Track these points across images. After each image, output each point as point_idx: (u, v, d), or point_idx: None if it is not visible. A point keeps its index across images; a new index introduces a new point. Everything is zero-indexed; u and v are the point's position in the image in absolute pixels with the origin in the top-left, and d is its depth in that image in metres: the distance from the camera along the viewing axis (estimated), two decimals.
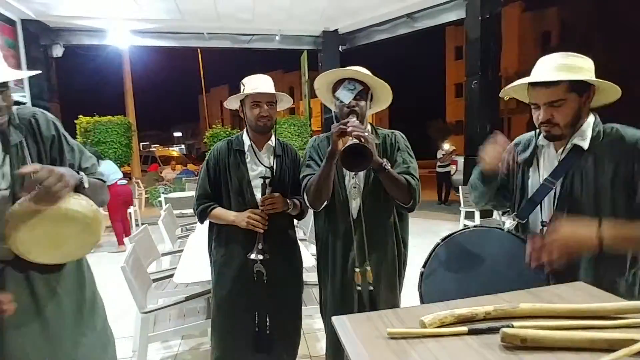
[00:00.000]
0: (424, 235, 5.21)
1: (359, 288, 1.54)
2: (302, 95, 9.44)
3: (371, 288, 1.52)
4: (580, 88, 1.16)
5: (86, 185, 1.18)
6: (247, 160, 1.77)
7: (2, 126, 1.09)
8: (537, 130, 1.28)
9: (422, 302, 1.35)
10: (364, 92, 1.56)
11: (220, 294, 1.79)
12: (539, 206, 1.28)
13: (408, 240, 1.70)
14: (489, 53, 5.84)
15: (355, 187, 1.59)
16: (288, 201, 1.74)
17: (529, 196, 1.31)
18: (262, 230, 1.67)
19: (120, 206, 5.33)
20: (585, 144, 1.21)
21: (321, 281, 1.72)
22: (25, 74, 3.82)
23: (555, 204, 1.24)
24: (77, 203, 1.12)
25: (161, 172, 11.00)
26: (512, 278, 1.20)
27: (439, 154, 9.19)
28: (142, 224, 3.30)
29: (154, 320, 2.18)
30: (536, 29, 22.48)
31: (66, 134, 1.29)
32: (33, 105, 6.44)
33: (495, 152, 1.31)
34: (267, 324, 1.77)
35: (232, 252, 1.75)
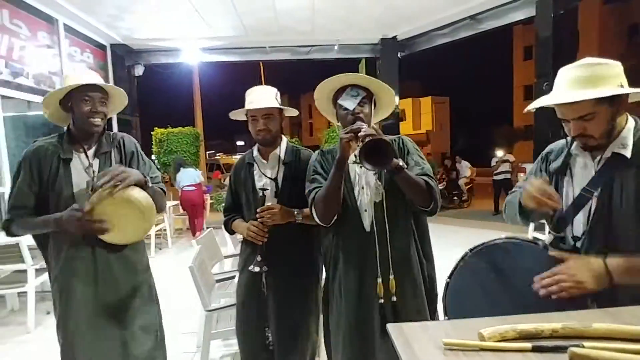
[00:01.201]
0: None
1: (382, 300, 1.44)
2: None
3: (394, 298, 1.42)
4: (610, 99, 1.06)
5: (149, 185, 1.56)
6: (255, 172, 1.78)
7: (98, 130, 1.59)
8: (570, 137, 1.20)
9: (445, 314, 1.28)
10: (367, 99, 1.50)
11: (237, 302, 1.83)
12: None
13: (431, 252, 1.57)
14: (563, 52, 5.40)
15: (367, 197, 1.48)
16: (296, 211, 1.67)
17: (564, 208, 1.20)
18: (260, 243, 1.65)
19: (188, 207, 6.44)
20: (627, 152, 1.11)
21: (327, 302, 1.60)
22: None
23: (591, 217, 1.14)
24: (138, 192, 1.47)
25: (224, 180, 11.67)
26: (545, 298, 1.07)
27: (493, 162, 8.74)
28: (207, 228, 3.52)
29: (216, 318, 2.31)
30: (620, 22, 20.33)
31: (142, 152, 1.74)
32: (118, 118, 7.20)
33: (544, 192, 1.14)
34: (269, 338, 1.73)
35: (245, 262, 1.76)
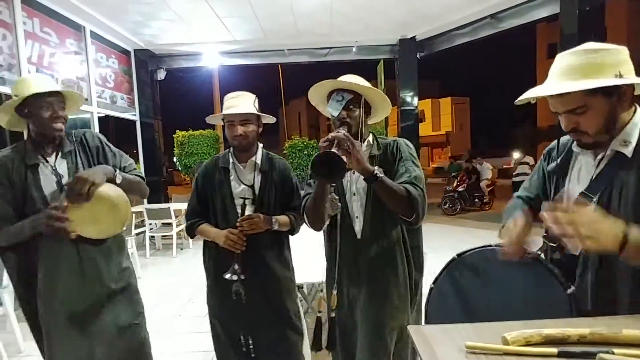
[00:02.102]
0: None
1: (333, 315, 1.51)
2: None
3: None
4: (605, 89, 0.92)
5: (118, 180, 1.57)
6: (231, 178, 1.74)
7: (61, 135, 1.59)
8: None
9: (426, 320, 1.24)
10: (356, 102, 1.46)
11: (210, 311, 1.82)
12: None
13: (420, 259, 1.56)
14: None
15: (357, 203, 1.48)
16: (273, 219, 1.68)
17: None
18: (238, 251, 1.63)
19: None
20: (628, 151, 0.97)
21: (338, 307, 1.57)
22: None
23: None
24: (107, 188, 1.51)
25: None
26: (530, 308, 1.01)
27: (512, 164, 8.56)
28: None
29: None
30: None
31: (108, 144, 1.73)
32: (141, 121, 7.38)
33: (517, 238, 1.05)
34: (251, 346, 1.73)
35: (217, 269, 1.72)
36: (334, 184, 1.44)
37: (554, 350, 0.71)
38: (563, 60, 0.99)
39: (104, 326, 1.60)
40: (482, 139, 35.13)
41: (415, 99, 7.53)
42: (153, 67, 7.57)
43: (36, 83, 1.52)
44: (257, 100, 1.76)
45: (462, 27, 6.69)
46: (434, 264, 1.53)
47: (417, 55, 7.44)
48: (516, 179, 8.57)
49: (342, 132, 1.30)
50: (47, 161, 1.58)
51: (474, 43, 6.85)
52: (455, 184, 9.43)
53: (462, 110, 34.81)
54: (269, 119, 1.84)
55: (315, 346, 1.61)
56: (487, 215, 8.87)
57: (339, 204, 1.45)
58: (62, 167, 1.60)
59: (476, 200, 9.61)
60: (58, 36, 5.22)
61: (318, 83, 1.51)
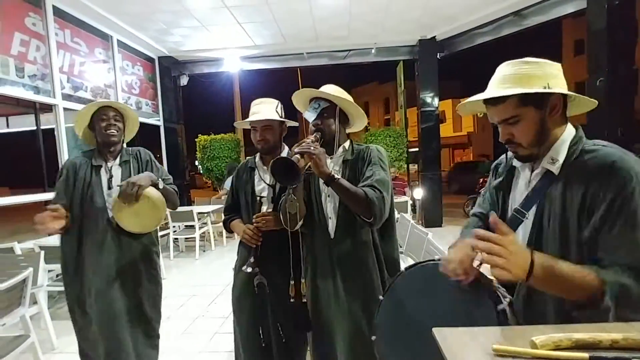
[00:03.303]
0: None
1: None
2: (398, 106, 9.34)
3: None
4: (536, 100, 0.96)
5: (160, 186, 1.97)
6: (255, 178, 1.88)
7: (115, 141, 2.01)
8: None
9: (374, 332, 1.23)
10: (331, 110, 1.57)
11: (232, 301, 1.93)
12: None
13: (394, 261, 1.61)
14: (618, 45, 5.03)
15: (331, 205, 1.58)
16: None
17: None
18: (254, 245, 1.75)
19: None
20: (555, 168, 0.98)
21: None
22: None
23: (526, 243, 1.02)
24: (151, 190, 1.90)
25: None
26: (464, 322, 0.96)
27: None
28: None
29: None
30: None
31: (155, 161, 2.16)
32: (165, 126, 7.57)
33: (459, 260, 1.04)
34: (263, 337, 1.81)
35: (241, 262, 1.86)
36: (293, 186, 1.49)
37: (585, 355, 0.69)
38: (500, 70, 1.03)
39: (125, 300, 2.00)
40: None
41: (436, 100, 7.43)
42: (176, 74, 7.78)
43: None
44: (280, 105, 1.86)
45: (483, 25, 6.58)
46: None
47: (438, 56, 7.35)
48: None
49: (311, 137, 1.45)
50: (107, 165, 2.03)
51: (496, 41, 6.72)
52: (478, 185, 9.21)
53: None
54: (291, 123, 1.95)
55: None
56: None
57: (297, 204, 1.54)
58: (118, 172, 2.04)
59: None
60: (87, 46, 5.44)
61: (299, 91, 1.64)
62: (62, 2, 4.82)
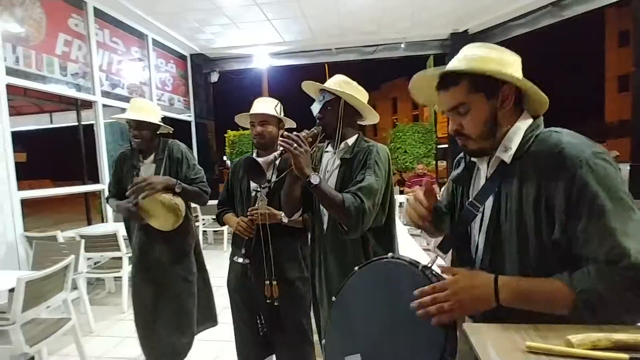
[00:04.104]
0: None
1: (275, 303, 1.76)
2: None
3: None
4: (486, 87, 0.90)
5: (177, 190, 2.13)
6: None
7: (139, 145, 2.20)
8: None
9: (325, 334, 1.16)
10: (335, 103, 1.51)
11: (228, 290, 2.04)
12: (477, 236, 0.99)
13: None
14: None
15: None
16: (282, 213, 1.78)
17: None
18: (247, 237, 1.83)
19: None
20: (507, 156, 0.92)
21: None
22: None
23: (486, 236, 0.96)
24: (164, 196, 2.09)
25: None
26: (410, 321, 0.89)
27: None
28: None
29: None
30: None
31: (188, 157, 2.29)
32: (196, 122, 7.75)
33: (419, 210, 1.03)
34: (260, 325, 1.91)
35: (232, 253, 1.98)
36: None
37: (624, 356, 0.66)
38: (460, 52, 0.99)
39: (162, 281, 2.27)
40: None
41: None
42: (207, 70, 7.96)
43: (129, 109, 2.18)
44: (280, 105, 1.95)
45: (519, 17, 6.32)
46: None
47: None
48: None
49: (303, 133, 1.43)
50: (142, 162, 2.25)
51: (531, 33, 6.44)
52: None
53: None
54: (290, 123, 2.02)
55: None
56: None
57: (266, 198, 1.80)
58: (151, 169, 2.23)
59: None
60: (124, 45, 5.67)
61: (304, 83, 1.63)
62: (102, 3, 5.04)
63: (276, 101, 1.95)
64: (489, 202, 0.95)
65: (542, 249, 0.85)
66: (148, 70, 6.29)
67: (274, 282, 1.79)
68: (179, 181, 2.15)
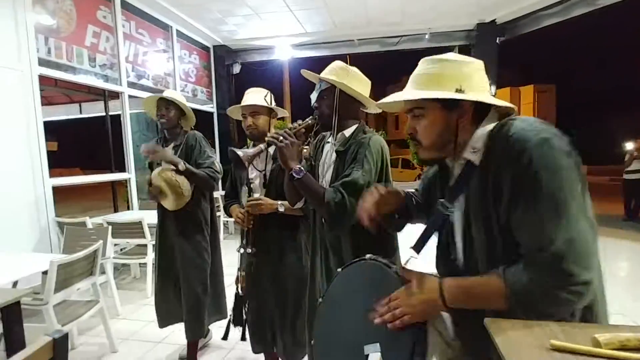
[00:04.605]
0: None
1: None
2: None
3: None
4: (445, 100, 0.87)
5: (180, 168, 2.21)
6: (252, 166, 1.96)
7: (165, 126, 2.39)
8: None
9: (312, 336, 1.15)
10: (330, 92, 1.47)
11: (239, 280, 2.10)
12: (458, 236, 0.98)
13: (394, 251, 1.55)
14: None
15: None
16: (279, 203, 1.84)
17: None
18: (246, 228, 1.89)
19: None
20: (475, 157, 0.89)
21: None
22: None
23: (461, 236, 0.95)
24: (167, 173, 2.21)
25: None
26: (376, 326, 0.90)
27: (627, 157, 7.31)
28: None
29: None
30: None
31: (203, 144, 2.42)
32: (218, 113, 7.84)
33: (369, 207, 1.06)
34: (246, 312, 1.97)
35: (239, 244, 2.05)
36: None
37: None
38: (417, 68, 0.96)
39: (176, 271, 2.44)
40: (570, 130, 31.53)
41: (493, 88, 7.00)
42: (229, 62, 8.03)
43: (164, 93, 2.39)
44: (270, 95, 1.99)
45: (550, 6, 6.06)
46: None
47: (497, 40, 6.90)
48: (630, 177, 7.01)
49: (295, 124, 1.46)
50: (165, 146, 2.41)
51: (562, 23, 6.17)
52: None
53: (546, 99, 31.50)
54: (281, 112, 2.07)
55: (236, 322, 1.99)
56: None
57: (263, 188, 1.91)
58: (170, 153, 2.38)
59: None
60: (150, 36, 5.77)
61: (308, 71, 1.58)
62: None
63: (266, 91, 1.98)
64: (462, 203, 0.94)
65: (509, 246, 0.82)
66: (172, 61, 6.39)
67: (243, 274, 1.91)
68: (184, 161, 2.25)
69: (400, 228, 1.26)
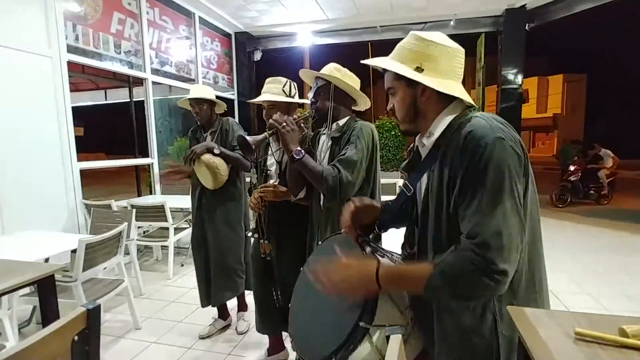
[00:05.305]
0: None
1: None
2: (475, 84, 8.71)
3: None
4: (407, 78, 0.94)
5: (216, 152, 2.46)
6: (269, 152, 2.08)
7: (199, 121, 2.64)
8: None
9: (289, 323, 1.21)
10: (326, 88, 1.66)
11: (252, 264, 2.24)
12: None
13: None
14: None
15: None
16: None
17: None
18: (257, 213, 1.97)
19: None
20: (428, 142, 0.97)
21: None
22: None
23: (420, 221, 1.02)
24: (205, 156, 2.46)
25: None
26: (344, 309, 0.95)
27: None
28: None
29: None
30: None
31: (235, 129, 2.64)
32: (238, 100, 7.86)
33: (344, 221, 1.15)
34: (276, 297, 2.03)
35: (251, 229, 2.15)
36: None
37: None
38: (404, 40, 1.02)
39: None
40: (601, 123, 30.22)
41: (520, 77, 6.78)
42: (250, 49, 8.03)
43: (192, 91, 2.62)
44: (290, 84, 2.01)
45: None
46: None
47: (526, 27, 6.64)
48: None
49: (294, 115, 1.63)
50: (203, 135, 2.67)
51: (596, 9, 5.87)
52: (568, 172, 8.29)
53: (576, 89, 30.24)
54: (302, 101, 2.07)
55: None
56: (600, 211, 7.61)
57: (277, 177, 2.00)
58: (208, 139, 2.63)
59: (592, 192, 8.22)
60: (173, 23, 5.83)
61: (301, 71, 1.79)
62: None
63: (284, 80, 2.00)
64: (422, 189, 1.01)
65: (453, 237, 0.87)
66: (194, 48, 6.44)
67: (266, 242, 2.00)
68: (219, 145, 2.51)
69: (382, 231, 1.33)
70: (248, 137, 1.54)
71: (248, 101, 2.19)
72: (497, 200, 0.80)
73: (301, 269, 1.25)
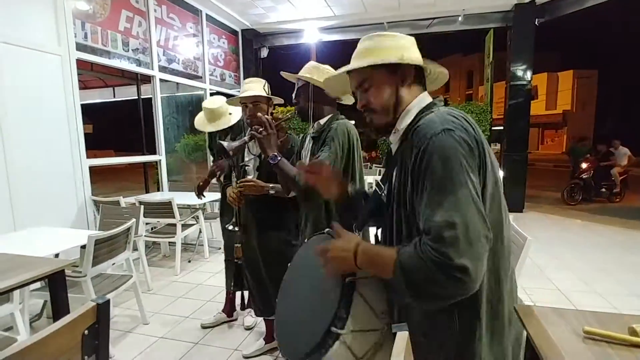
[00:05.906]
0: None
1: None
2: (484, 80, 8.62)
3: None
4: (387, 66, 0.93)
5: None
6: (246, 149, 2.12)
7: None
8: None
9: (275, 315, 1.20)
10: (305, 88, 1.71)
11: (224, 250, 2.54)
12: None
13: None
14: None
15: None
16: (270, 186, 1.98)
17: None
18: (236, 207, 2.06)
19: None
20: (394, 137, 0.98)
21: None
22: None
23: (389, 216, 1.00)
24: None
25: None
26: (320, 286, 0.98)
27: None
28: None
29: None
30: None
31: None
32: None
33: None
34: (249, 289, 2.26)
35: (227, 222, 2.24)
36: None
37: None
38: (359, 45, 1.02)
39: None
40: (612, 120, 29.70)
41: (529, 73, 6.70)
42: (257, 46, 8.04)
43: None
44: (267, 84, 2.11)
45: None
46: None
47: (536, 22, 6.55)
48: None
49: (266, 117, 1.65)
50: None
51: (608, 4, 5.76)
52: (580, 170, 8.17)
53: (586, 85, 29.76)
54: (278, 100, 2.18)
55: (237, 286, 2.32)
56: (613, 209, 7.47)
57: (256, 171, 2.08)
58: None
59: (603, 189, 8.10)
60: (180, 20, 5.85)
61: (286, 73, 1.82)
62: None
63: (263, 81, 2.12)
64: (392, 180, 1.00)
65: (412, 234, 0.86)
66: (202, 45, 6.47)
67: (239, 246, 2.17)
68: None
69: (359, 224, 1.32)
70: (225, 144, 1.63)
71: (240, 96, 2.12)
72: (446, 190, 0.77)
73: (289, 264, 1.25)
